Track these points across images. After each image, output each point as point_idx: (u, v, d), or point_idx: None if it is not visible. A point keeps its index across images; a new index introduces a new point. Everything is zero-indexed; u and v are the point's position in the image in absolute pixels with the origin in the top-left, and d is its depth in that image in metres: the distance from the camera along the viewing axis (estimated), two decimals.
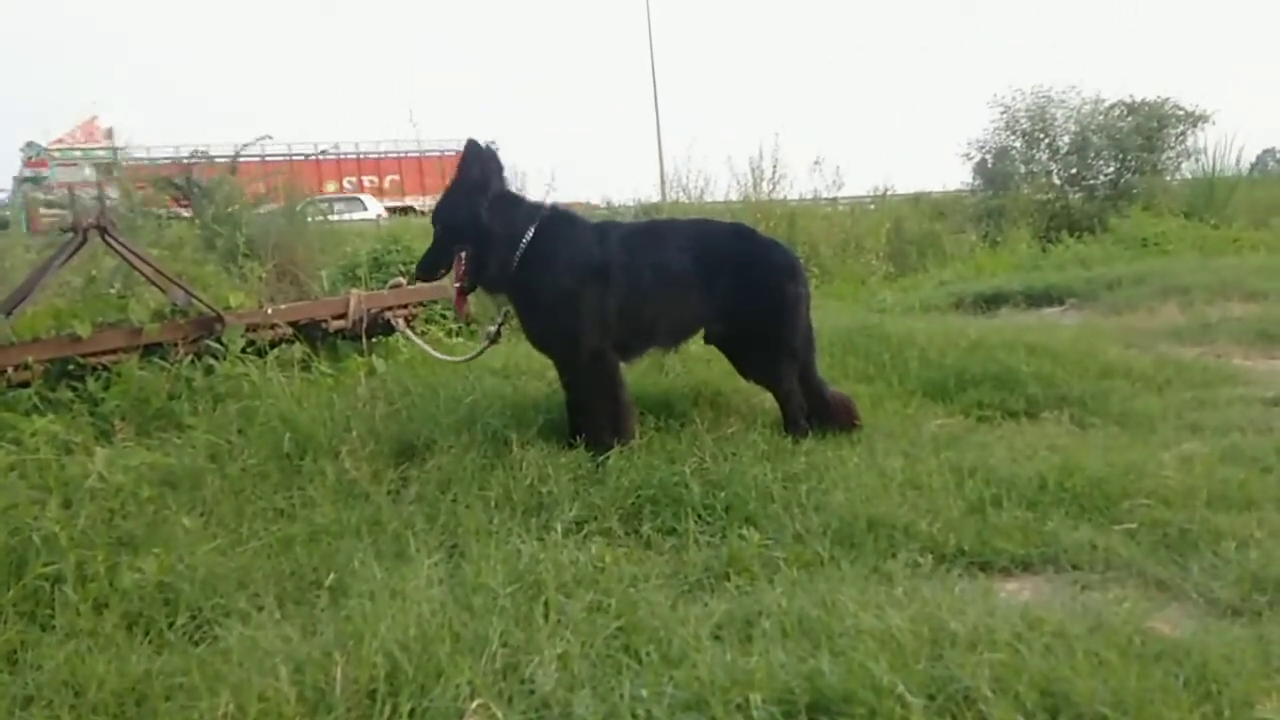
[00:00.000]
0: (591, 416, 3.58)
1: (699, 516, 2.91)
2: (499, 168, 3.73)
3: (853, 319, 6.20)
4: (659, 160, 25.34)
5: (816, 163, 12.93)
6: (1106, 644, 1.92)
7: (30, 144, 18.88)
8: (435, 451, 3.42)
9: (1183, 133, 15.10)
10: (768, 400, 4.00)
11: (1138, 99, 15.25)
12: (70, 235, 4.39)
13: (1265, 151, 19.97)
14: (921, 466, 3.24)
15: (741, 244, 3.95)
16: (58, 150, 19.33)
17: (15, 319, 4.15)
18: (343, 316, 4.90)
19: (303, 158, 24.81)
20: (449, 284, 3.96)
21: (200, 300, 4.49)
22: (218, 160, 9.93)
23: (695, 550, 2.67)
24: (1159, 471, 3.08)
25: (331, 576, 2.49)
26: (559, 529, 2.74)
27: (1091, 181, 15.11)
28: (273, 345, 4.59)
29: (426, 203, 22.51)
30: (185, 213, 8.15)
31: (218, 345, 4.35)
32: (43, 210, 10.88)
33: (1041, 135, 15.38)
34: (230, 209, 7.91)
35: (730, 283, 3.78)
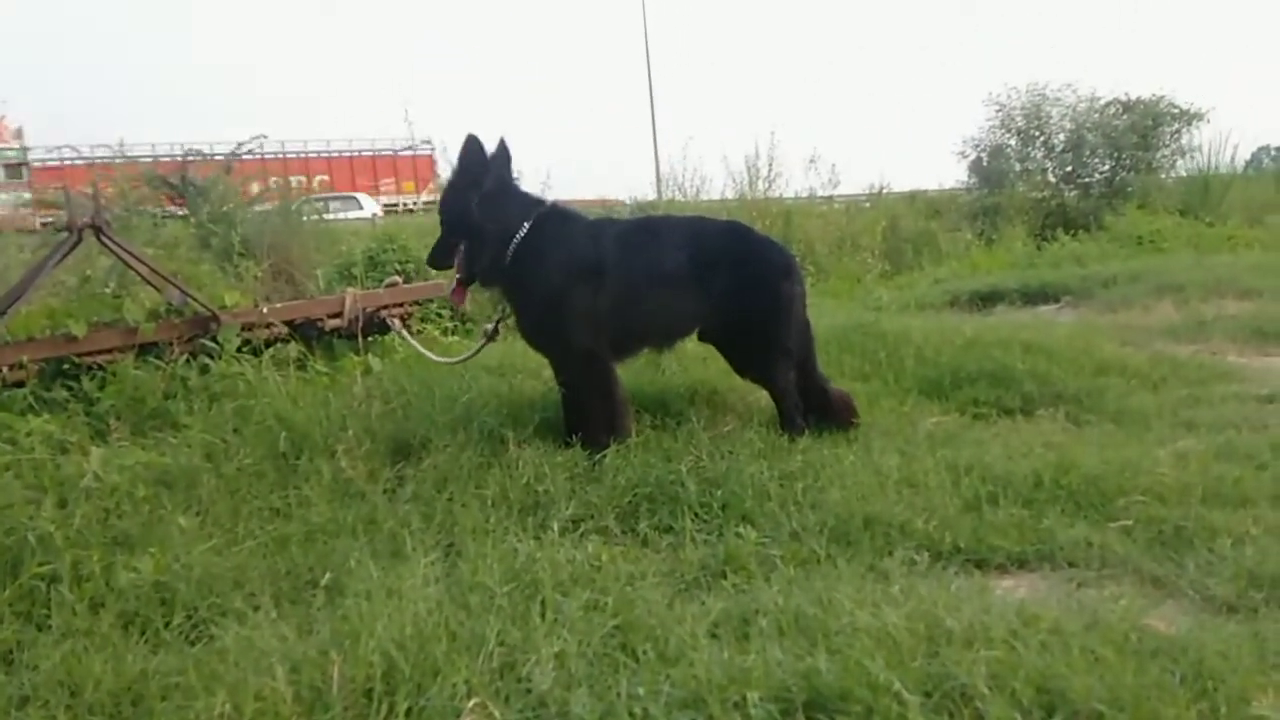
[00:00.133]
0: (587, 415, 3.58)
1: (696, 515, 2.91)
2: (506, 162, 3.74)
3: (848, 317, 6.20)
4: (654, 158, 25.34)
5: (812, 161, 12.79)
6: (1102, 641, 1.92)
7: None
8: (431, 450, 3.42)
9: (1178, 130, 15.14)
10: (764, 398, 4.00)
11: (1133, 97, 15.30)
12: (65, 234, 4.38)
13: (1260, 149, 19.95)
14: (917, 464, 3.24)
15: (737, 242, 3.95)
16: None
17: (10, 318, 4.14)
18: (338, 315, 4.91)
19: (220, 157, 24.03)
20: (449, 278, 3.97)
21: (195, 299, 4.48)
22: (213, 159, 9.90)
23: (692, 548, 2.67)
24: (1154, 469, 3.09)
25: (328, 576, 2.49)
26: (555, 527, 2.74)
27: (1087, 179, 15.17)
28: (268, 344, 4.58)
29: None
30: (180, 212, 8.14)
31: (213, 344, 4.35)
32: None
33: (1037, 133, 15.43)
34: (225, 208, 7.90)
35: (725, 281, 3.77)
